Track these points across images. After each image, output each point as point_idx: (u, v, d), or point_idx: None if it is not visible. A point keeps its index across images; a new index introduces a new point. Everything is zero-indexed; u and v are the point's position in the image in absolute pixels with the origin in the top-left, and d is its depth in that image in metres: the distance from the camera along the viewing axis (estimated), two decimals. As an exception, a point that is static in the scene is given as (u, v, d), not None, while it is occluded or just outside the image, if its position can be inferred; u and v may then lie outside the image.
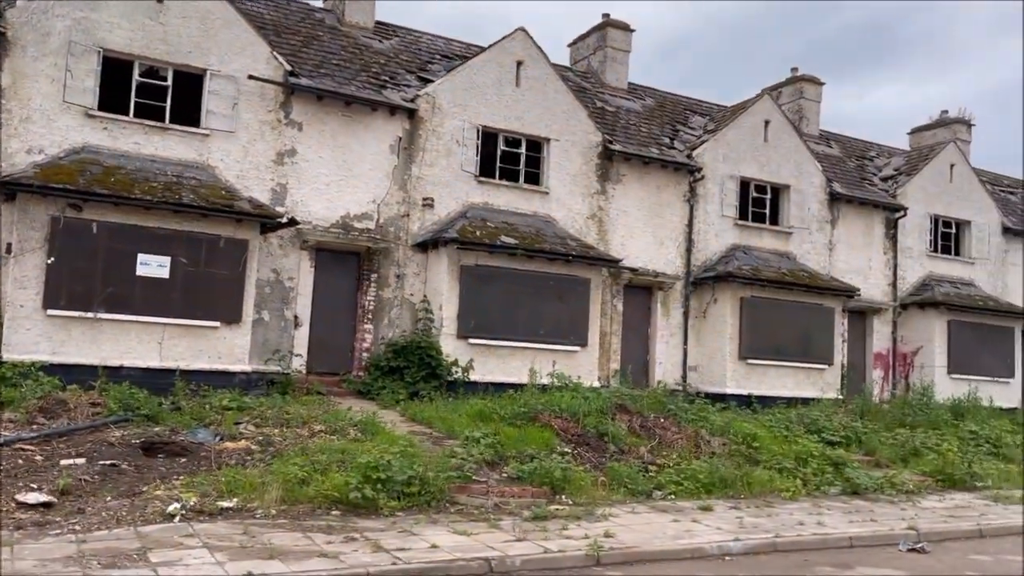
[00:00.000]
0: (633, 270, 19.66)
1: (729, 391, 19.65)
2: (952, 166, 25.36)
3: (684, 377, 20.42)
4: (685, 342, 20.52)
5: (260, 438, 11.21)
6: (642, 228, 20.23)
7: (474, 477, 10.42)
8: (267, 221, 14.97)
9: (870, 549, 9.13)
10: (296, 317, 16.22)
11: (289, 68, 16.39)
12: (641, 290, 20.36)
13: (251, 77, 15.84)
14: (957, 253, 25.50)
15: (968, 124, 29.80)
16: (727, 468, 11.81)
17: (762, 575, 7.84)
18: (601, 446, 12.46)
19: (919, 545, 9.26)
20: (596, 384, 17.51)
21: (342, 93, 16.74)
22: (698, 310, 20.74)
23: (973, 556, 9.05)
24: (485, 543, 7.91)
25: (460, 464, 9.94)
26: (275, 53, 16.32)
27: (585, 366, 17.89)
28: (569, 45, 25.20)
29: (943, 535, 9.90)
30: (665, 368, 20.28)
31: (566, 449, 12.17)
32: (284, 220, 15.29)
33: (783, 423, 15.02)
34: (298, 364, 15.92)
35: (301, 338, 16.25)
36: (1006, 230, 26.17)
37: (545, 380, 16.09)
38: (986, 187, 26.57)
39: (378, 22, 20.49)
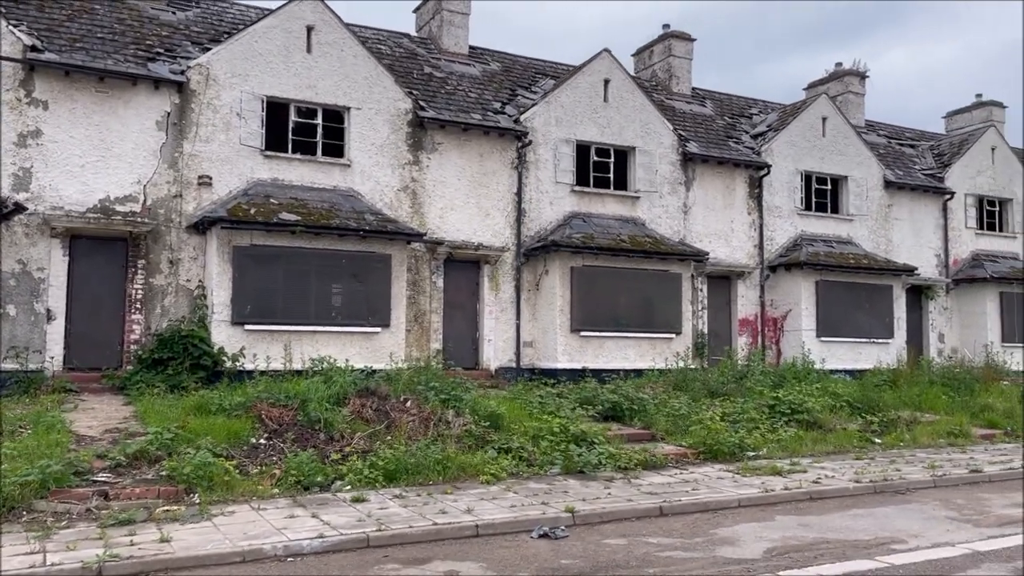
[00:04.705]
0: (447, 242, 18.47)
1: (561, 366, 18.53)
2: (824, 119, 24.09)
3: (518, 354, 19.28)
4: (518, 317, 19.36)
5: None
6: (464, 199, 19.03)
7: (105, 478, 9.32)
8: (-11, 208, 13.83)
9: (494, 538, 7.99)
10: (49, 310, 15.09)
11: (30, 43, 15.19)
12: (467, 264, 19.19)
13: (-22, 53, 14.66)
14: (835, 210, 24.27)
15: (862, 76, 28.59)
16: (436, 451, 10.66)
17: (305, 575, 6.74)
18: (310, 435, 11.34)
19: (553, 530, 8.13)
20: (403, 366, 16.36)
21: (93, 67, 15.54)
22: (531, 283, 19.58)
23: (609, 540, 7.91)
24: (-20, 557, 6.79)
25: (45, 466, 8.76)
26: (12, 27, 15.12)
27: (388, 347, 16.77)
28: (414, 12, 23.93)
29: (607, 516, 8.75)
30: (496, 346, 19.14)
31: (261, 440, 11.09)
32: (10, 207, 14.13)
33: (553, 397, 13.89)
34: (47, 360, 14.80)
35: (55, 332, 15.12)
36: (888, 184, 24.93)
37: (310, 365, 14.91)
38: (866, 140, 25.31)
39: (178, -7, 19.28)
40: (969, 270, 25.89)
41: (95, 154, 15.59)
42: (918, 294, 25.51)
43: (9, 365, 14.43)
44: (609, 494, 9.67)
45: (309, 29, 17.57)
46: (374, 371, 14.94)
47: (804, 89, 29.57)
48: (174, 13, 18.58)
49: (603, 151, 20.76)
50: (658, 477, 10.83)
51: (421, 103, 18.85)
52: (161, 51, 16.98)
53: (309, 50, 17.56)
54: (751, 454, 12.38)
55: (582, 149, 20.51)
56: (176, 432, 10.62)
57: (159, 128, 16.14)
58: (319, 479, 9.97)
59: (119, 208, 15.71)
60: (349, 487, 9.92)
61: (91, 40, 16.38)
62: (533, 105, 20.16)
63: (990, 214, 27.34)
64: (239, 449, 10.71)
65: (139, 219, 15.79)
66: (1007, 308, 25.28)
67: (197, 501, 9.00)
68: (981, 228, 26.96)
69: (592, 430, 12.12)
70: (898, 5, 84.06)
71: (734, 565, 7.02)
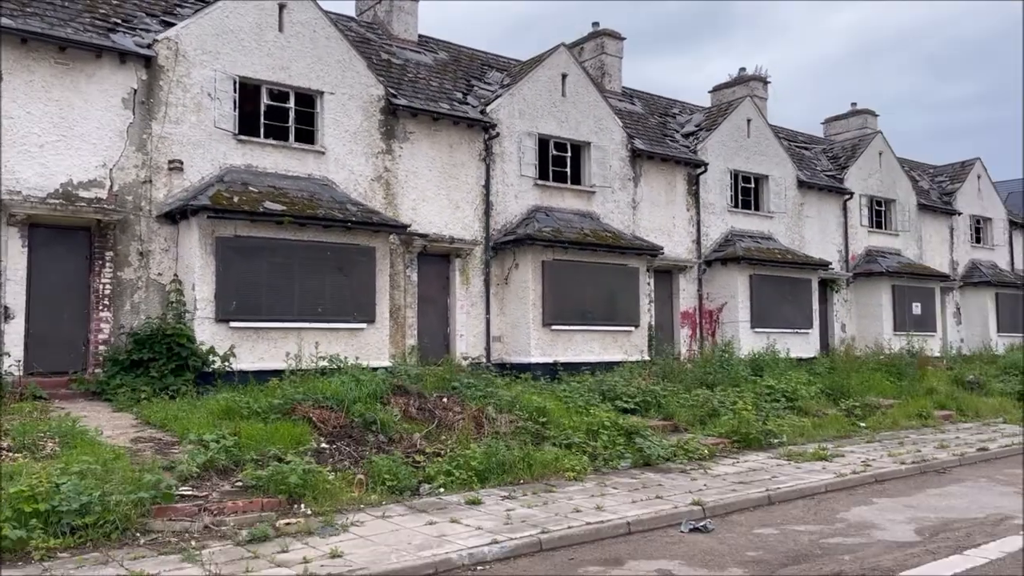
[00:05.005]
0: (422, 235, 18.00)
1: (534, 360, 18.50)
2: (749, 121, 25.41)
3: (488, 349, 19.08)
4: (488, 311, 19.16)
5: (-92, 466, 8.64)
6: (435, 190, 18.58)
7: (190, 492, 8.44)
8: (-51, 191, 12.06)
9: (650, 534, 7.98)
10: (6, 308, 13.36)
11: (-21, 4, 13.37)
12: (438, 258, 18.76)
13: (-78, 12, 12.73)
14: (757, 208, 25.66)
15: (764, 81, 30.25)
16: (507, 450, 10.44)
17: (516, 588, 6.45)
18: (365, 437, 10.77)
19: (702, 524, 8.22)
20: (387, 363, 15.82)
21: (53, 35, 13.87)
22: (500, 277, 19.42)
23: (759, 530, 8.10)
24: (155, 589, 6.01)
25: (155, 481, 7.86)
26: (-42, -16, 13.25)
27: (374, 344, 16.11)
28: (354, -6, 23.05)
29: (730, 507, 8.96)
30: (468, 340, 18.85)
31: (323, 445, 10.42)
32: (-28, 189, 12.42)
33: (580, 392, 13.94)
34: (9, 364, 13.12)
35: (15, 333, 13.41)
36: (801, 183, 26.65)
37: (324, 363, 14.16)
38: (781, 142, 26.94)
39: (115, -42, 17.49)
40: (865, 265, 28.18)
41: (55, 133, 13.94)
42: (824, 287, 27.45)
43: (-35, 371, 12.67)
44: (705, 486, 9.86)
45: (281, 7, 16.51)
46: (375, 368, 14.37)
47: (709, 92, 30.95)
48: (117, -21, 16.88)
49: (561, 145, 20.89)
50: (723, 467, 11.13)
51: (391, 90, 18.21)
52: (118, 21, 15.40)
53: (281, 29, 16.51)
54: (775, 441, 12.96)
55: (542, 143, 20.55)
56: (235, 440, 9.79)
57: (125, 106, 14.65)
58: (412, 482, 9.52)
59: (83, 194, 14.14)
60: (442, 489, 9.53)
61: (40, 5, 14.59)
62: (497, 97, 19.97)
63: (878, 213, 29.88)
64: (302, 455, 10.01)
65: (106, 206, 14.28)
66: (898, 300, 27.75)
67: (308, 512, 8.37)
68: (872, 226, 29.40)
69: (632, 423, 12.26)
70: (722, 19, 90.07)
71: (908, 548, 7.38)
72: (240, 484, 9.03)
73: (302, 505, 8.51)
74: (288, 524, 7.90)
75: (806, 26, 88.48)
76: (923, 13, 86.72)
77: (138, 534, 7.38)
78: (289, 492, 8.58)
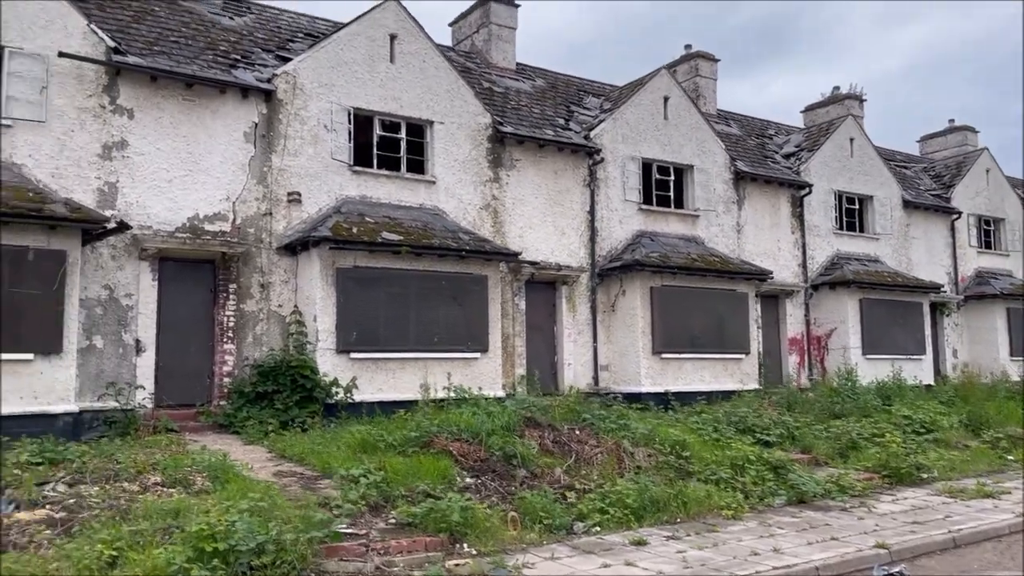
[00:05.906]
0: (534, 263, 17.76)
1: (644, 390, 18.00)
2: (852, 140, 24.64)
3: (596, 378, 18.67)
4: (595, 339, 18.77)
5: (71, 502, 8.67)
6: (541, 217, 18.36)
7: (350, 530, 8.23)
8: (89, 227, 12.27)
9: (844, 581, 7.45)
10: (138, 341, 13.54)
11: (113, 44, 13.71)
12: (544, 286, 18.49)
13: (63, 55, 13.09)
14: (862, 229, 24.78)
15: (860, 99, 29.31)
16: (657, 486, 10.00)
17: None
18: (509, 471, 10.46)
19: (896, 569, 7.64)
20: (501, 394, 15.55)
21: (181, 73, 14.16)
22: (606, 304, 19.04)
23: (961, 577, 7.50)
24: (356, 637, 5.75)
25: (327, 520, 7.68)
26: (94, 26, 13.62)
27: (487, 374, 15.86)
28: (450, 24, 23.17)
29: (916, 550, 8.34)
30: (575, 369, 18.47)
31: (468, 480, 10.14)
32: (112, 225, 12.62)
33: (710, 424, 13.39)
34: (142, 397, 13.26)
35: (145, 366, 13.58)
36: (906, 204, 25.68)
37: (443, 394, 13.98)
38: (884, 161, 26.03)
39: (228, -3, 17.92)
40: (976, 287, 26.90)
41: (182, 168, 14.18)
42: (933, 311, 26.26)
43: (100, 404, 12.82)
44: (877, 525, 9.25)
45: (392, 37, 16.62)
46: (501, 399, 14.12)
47: (801, 112, 30.15)
48: (231, 18, 17.25)
49: (664, 169, 20.50)
50: (885, 505, 10.47)
51: (497, 118, 18.12)
52: (238, 58, 15.68)
53: (392, 60, 16.60)
54: (926, 476, 12.20)
55: (645, 167, 20.19)
56: (382, 474, 9.59)
57: (247, 140, 14.85)
58: (566, 520, 9.16)
59: (208, 227, 14.32)
60: (598, 527, 9.14)
61: (165, 44, 14.96)
62: (600, 122, 19.72)
63: (986, 233, 28.57)
64: (457, 491, 9.73)
65: (230, 239, 14.43)
66: (1014, 324, 26.35)
67: (472, 552, 8.08)
68: (981, 247, 28.10)
69: (778, 457, 11.68)
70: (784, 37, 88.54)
71: None
72: (394, 521, 8.81)
73: (464, 544, 8.22)
74: (457, 565, 7.62)
75: (870, 45, 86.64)
76: (982, 26, 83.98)
77: (312, 575, 7.17)
78: (449, 530, 8.30)
